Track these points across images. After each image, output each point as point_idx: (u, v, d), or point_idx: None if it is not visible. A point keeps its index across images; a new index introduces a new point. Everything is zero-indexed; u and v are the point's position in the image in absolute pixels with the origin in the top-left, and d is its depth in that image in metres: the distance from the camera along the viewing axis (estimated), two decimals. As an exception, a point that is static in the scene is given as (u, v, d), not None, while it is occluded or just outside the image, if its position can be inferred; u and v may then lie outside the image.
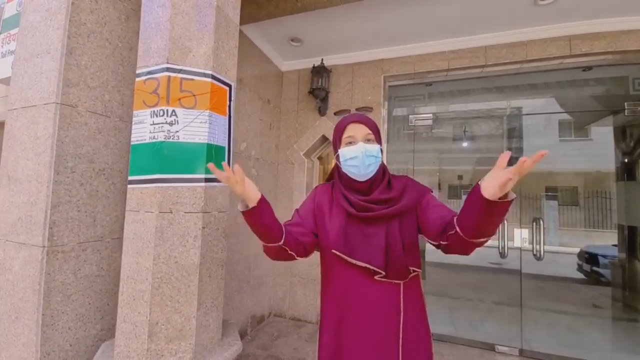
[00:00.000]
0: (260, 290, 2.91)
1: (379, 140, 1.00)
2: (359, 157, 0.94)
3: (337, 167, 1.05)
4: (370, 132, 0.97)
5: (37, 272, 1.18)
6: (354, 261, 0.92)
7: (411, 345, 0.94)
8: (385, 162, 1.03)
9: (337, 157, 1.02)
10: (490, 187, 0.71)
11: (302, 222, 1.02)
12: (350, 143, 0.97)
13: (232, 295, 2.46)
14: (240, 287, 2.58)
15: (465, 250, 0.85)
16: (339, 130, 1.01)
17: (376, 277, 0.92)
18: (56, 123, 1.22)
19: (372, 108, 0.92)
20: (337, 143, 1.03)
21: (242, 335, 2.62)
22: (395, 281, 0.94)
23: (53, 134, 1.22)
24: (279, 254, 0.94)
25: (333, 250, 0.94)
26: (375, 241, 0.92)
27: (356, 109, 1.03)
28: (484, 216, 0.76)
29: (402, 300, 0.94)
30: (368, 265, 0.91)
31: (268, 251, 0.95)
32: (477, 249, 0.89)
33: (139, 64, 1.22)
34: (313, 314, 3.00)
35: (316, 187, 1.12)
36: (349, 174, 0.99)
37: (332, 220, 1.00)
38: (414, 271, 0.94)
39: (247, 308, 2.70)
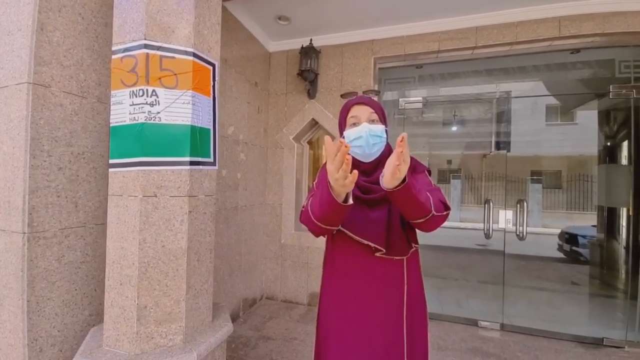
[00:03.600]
0: (251, 274, 2.94)
1: (383, 121, 1.00)
2: (364, 137, 0.93)
3: None
4: (374, 112, 0.98)
5: (19, 258, 1.16)
6: (358, 238, 0.96)
7: (413, 316, 1.00)
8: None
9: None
10: (386, 178, 0.76)
11: None
12: (354, 124, 0.97)
13: (223, 279, 2.48)
14: (231, 272, 2.60)
15: (421, 228, 0.92)
16: (344, 112, 1.02)
17: (377, 254, 0.96)
18: (29, 104, 1.16)
19: (379, 92, 0.95)
20: (342, 125, 1.03)
21: (235, 318, 2.66)
22: (398, 257, 0.98)
23: (27, 115, 1.16)
24: (327, 232, 0.96)
25: (340, 227, 0.97)
26: (377, 221, 0.95)
27: (363, 92, 1.03)
28: (397, 203, 0.83)
29: (405, 275, 1.00)
30: (370, 243, 0.95)
31: (320, 231, 0.93)
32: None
33: (114, 40, 1.15)
34: (304, 296, 3.06)
35: (325, 165, 1.11)
36: (354, 156, 0.96)
37: None
38: (414, 246, 1.00)
39: (239, 292, 2.73)
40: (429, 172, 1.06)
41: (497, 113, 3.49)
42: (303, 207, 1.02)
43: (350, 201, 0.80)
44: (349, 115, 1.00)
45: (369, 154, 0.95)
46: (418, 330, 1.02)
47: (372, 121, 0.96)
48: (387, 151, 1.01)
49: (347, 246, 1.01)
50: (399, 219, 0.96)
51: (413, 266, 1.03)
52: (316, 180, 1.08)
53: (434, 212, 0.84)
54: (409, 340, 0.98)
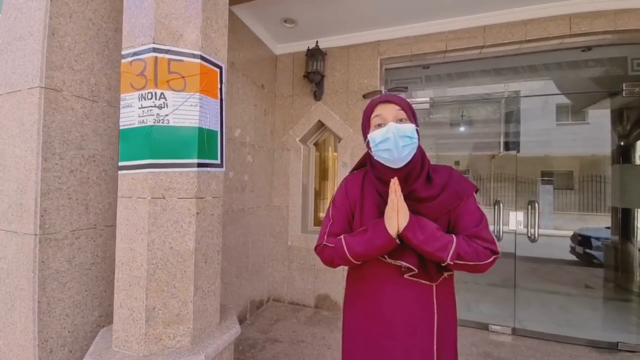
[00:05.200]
0: (258, 276, 2.94)
1: (413, 120, 0.88)
2: (391, 139, 0.82)
3: (369, 155, 0.96)
4: (402, 110, 0.86)
5: (31, 260, 1.17)
6: (388, 260, 0.88)
7: (443, 345, 0.91)
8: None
9: (368, 144, 0.91)
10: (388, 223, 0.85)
11: (349, 226, 0.99)
12: (379, 125, 0.87)
13: (230, 281, 2.48)
14: (239, 274, 2.60)
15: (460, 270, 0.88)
16: (367, 113, 0.91)
17: (406, 276, 0.88)
18: (41, 108, 1.18)
19: (406, 88, 0.85)
20: (366, 127, 0.92)
21: (242, 319, 2.66)
22: (427, 282, 0.89)
23: (38, 119, 1.18)
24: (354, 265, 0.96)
25: None
26: None
27: (389, 90, 0.95)
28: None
29: (435, 301, 0.90)
30: (402, 263, 0.86)
31: (346, 265, 0.95)
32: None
33: (124, 44, 1.17)
34: (311, 298, 3.05)
35: (346, 180, 1.03)
36: (381, 161, 0.87)
37: (365, 217, 0.93)
38: (446, 274, 0.91)
39: (246, 294, 2.73)
40: (476, 190, 0.92)
41: (505, 113, 3.43)
42: (323, 240, 0.96)
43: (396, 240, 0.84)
44: (373, 115, 0.89)
45: (399, 158, 0.84)
46: (448, 353, 0.93)
47: (399, 120, 0.85)
48: (420, 156, 0.90)
49: (372, 267, 0.93)
50: None
51: (445, 294, 0.93)
52: (333, 203, 1.01)
53: (449, 261, 0.81)
54: None
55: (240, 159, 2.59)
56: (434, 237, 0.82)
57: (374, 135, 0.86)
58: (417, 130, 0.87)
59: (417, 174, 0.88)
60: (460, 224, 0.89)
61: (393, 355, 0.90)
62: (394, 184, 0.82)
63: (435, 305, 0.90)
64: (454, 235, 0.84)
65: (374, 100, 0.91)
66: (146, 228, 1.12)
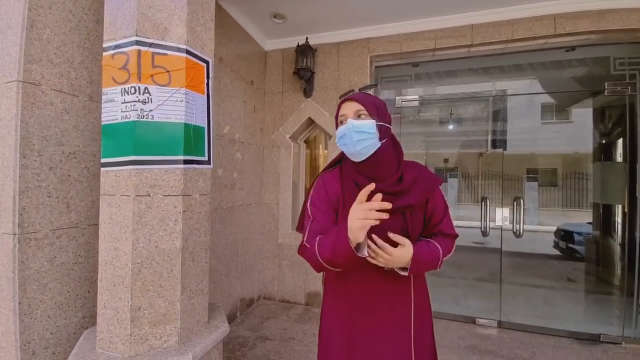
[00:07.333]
0: (248, 274, 2.92)
1: (377, 116, 0.89)
2: (347, 135, 0.87)
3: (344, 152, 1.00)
4: (362, 107, 0.89)
5: (10, 260, 1.13)
6: (374, 261, 0.88)
7: (420, 331, 0.97)
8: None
9: None
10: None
11: (331, 225, 0.95)
12: (342, 122, 0.92)
13: (220, 279, 2.46)
14: (228, 272, 2.58)
15: None
16: (336, 112, 0.97)
17: (386, 268, 0.89)
18: (19, 103, 1.14)
19: (376, 85, 0.85)
20: (336, 126, 0.97)
21: (232, 318, 2.64)
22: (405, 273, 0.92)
23: (16, 114, 1.14)
24: (332, 271, 0.94)
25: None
26: (393, 232, 0.88)
27: (359, 89, 0.95)
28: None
29: (412, 289, 0.97)
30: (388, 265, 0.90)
31: (324, 270, 0.90)
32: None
33: (105, 36, 1.13)
34: (301, 295, 3.05)
35: (322, 177, 1.01)
36: (348, 156, 0.94)
37: (345, 214, 0.90)
38: None
39: (236, 292, 2.71)
40: (441, 182, 0.99)
41: (493, 111, 3.50)
42: (304, 240, 0.93)
43: (365, 253, 0.82)
44: (339, 114, 0.95)
45: (356, 152, 0.88)
46: (425, 340, 0.99)
47: (358, 116, 0.89)
48: (390, 148, 0.92)
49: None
50: (419, 229, 0.96)
51: (420, 280, 1.00)
52: (309, 201, 0.99)
53: (439, 268, 0.95)
54: (416, 352, 0.94)
55: (229, 156, 2.55)
56: (427, 262, 0.91)
57: (337, 132, 0.94)
58: (380, 125, 0.88)
59: (385, 172, 0.92)
60: (435, 218, 1.00)
61: (375, 348, 0.93)
62: (377, 250, 0.84)
63: (412, 293, 0.97)
64: (438, 247, 0.93)
65: (341, 100, 0.96)
66: (130, 226, 1.10)
